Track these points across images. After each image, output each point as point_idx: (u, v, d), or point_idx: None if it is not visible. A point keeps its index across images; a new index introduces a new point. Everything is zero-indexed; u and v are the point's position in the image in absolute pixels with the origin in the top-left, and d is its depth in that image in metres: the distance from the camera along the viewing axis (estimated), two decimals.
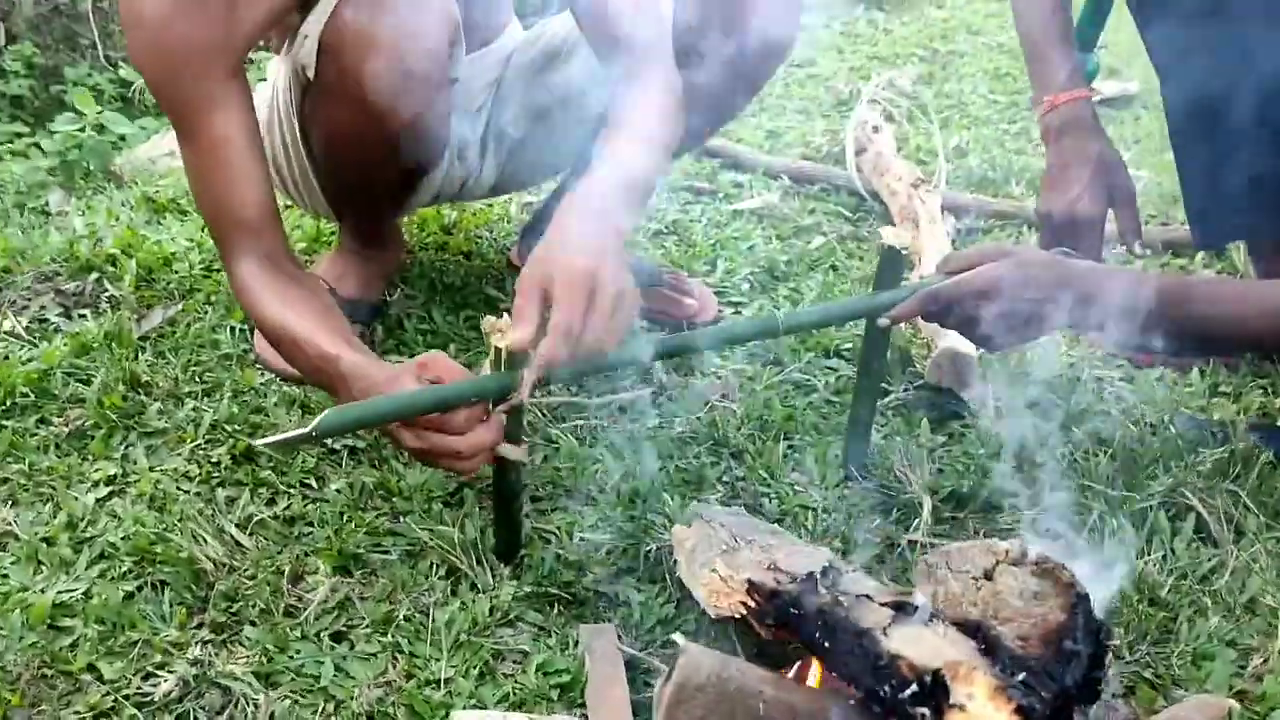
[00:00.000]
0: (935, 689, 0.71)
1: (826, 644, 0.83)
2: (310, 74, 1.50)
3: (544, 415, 1.67)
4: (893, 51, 3.78)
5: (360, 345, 1.31)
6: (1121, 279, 1.45)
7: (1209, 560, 1.47)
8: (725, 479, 1.58)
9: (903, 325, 1.89)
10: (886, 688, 0.74)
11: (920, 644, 0.74)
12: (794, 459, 1.62)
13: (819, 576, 0.86)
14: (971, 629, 0.77)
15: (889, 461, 1.60)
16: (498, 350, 1.21)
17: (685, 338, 1.36)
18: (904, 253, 1.41)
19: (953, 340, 1.71)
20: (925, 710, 0.71)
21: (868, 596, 0.82)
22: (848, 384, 1.74)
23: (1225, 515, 1.53)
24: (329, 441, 1.57)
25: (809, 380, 1.81)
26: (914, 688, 0.72)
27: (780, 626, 0.97)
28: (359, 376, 1.23)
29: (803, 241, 2.34)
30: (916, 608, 0.80)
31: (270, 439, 1.12)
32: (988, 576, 0.82)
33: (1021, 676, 0.72)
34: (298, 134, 1.68)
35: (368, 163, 1.62)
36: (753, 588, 1.02)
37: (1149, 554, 1.46)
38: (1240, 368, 1.91)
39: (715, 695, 0.79)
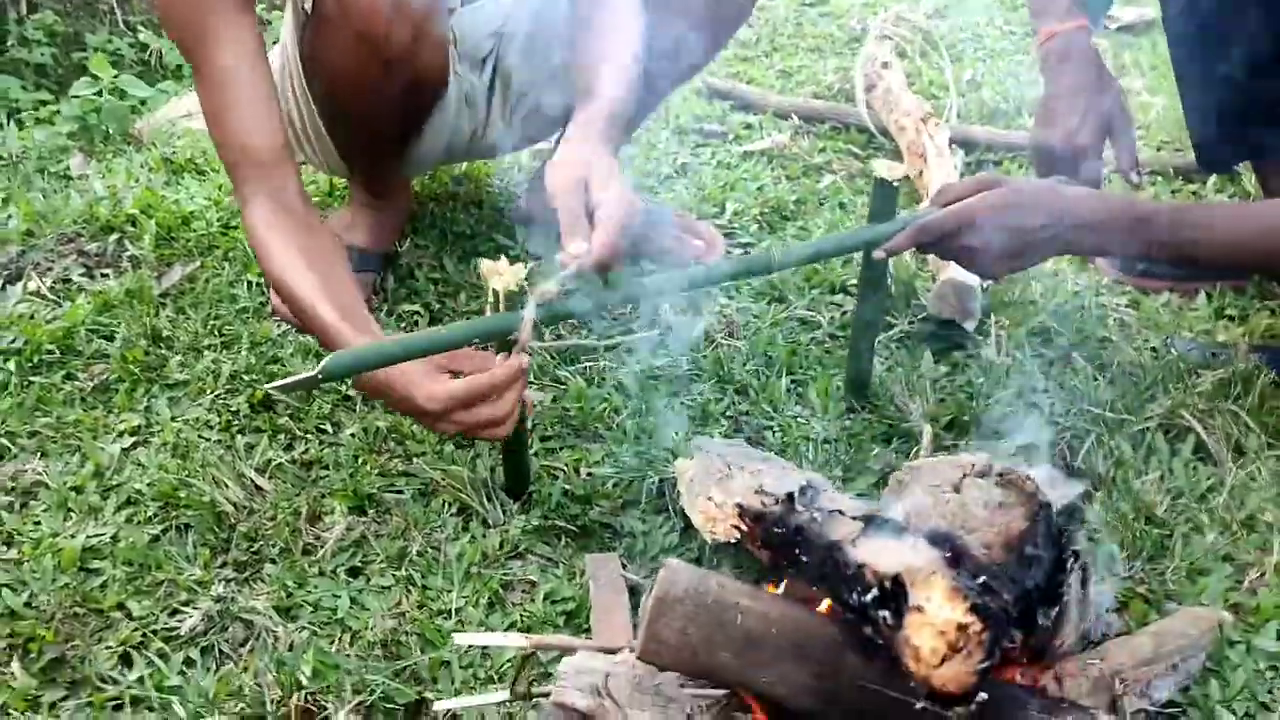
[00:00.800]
0: (896, 592, 0.75)
1: (804, 558, 0.87)
2: (308, 5, 1.53)
3: (553, 358, 1.70)
4: None
5: (358, 314, 1.34)
6: (1114, 204, 1.47)
7: (1207, 479, 1.49)
8: (729, 414, 1.61)
9: (906, 257, 1.91)
10: (853, 594, 0.78)
11: (885, 553, 0.78)
12: (797, 393, 1.65)
13: (797, 495, 0.90)
14: (940, 539, 0.80)
15: (891, 392, 1.62)
16: (495, 292, 1.25)
17: (680, 276, 1.38)
18: (896, 185, 1.43)
19: (955, 271, 1.73)
20: (886, 613, 0.75)
21: (840, 511, 0.86)
22: (852, 318, 1.76)
23: (1225, 435, 1.55)
24: (343, 388, 1.62)
25: (813, 316, 1.83)
26: (875, 592, 0.76)
27: (768, 547, 1.00)
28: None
29: (812, 180, 2.35)
30: (887, 520, 0.84)
31: (279, 383, 1.16)
32: (955, 489, 0.85)
33: (981, 580, 0.75)
34: (304, 80, 1.71)
35: (370, 96, 1.64)
36: (741, 511, 1.05)
37: (1146, 474, 1.48)
38: (1247, 290, 1.91)
39: (694, 607, 0.83)
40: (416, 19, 1.55)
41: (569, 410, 1.60)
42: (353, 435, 1.54)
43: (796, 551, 0.89)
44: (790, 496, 0.90)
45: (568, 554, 1.37)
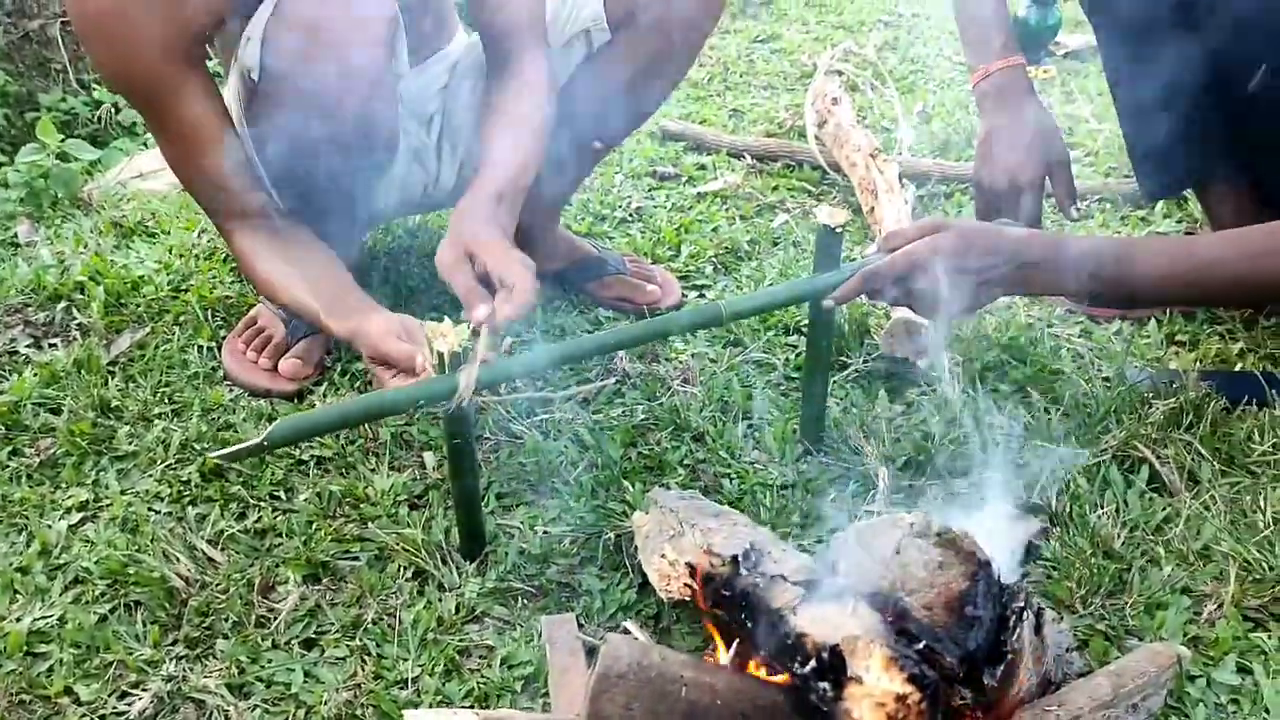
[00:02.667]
0: (835, 663, 0.74)
1: (749, 623, 0.86)
2: (255, 76, 1.53)
3: (508, 413, 1.69)
4: (857, 20, 3.78)
5: (355, 296, 1.53)
6: (1060, 245, 1.48)
7: (1163, 510, 1.49)
8: (686, 462, 1.61)
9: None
10: (794, 664, 0.77)
11: (825, 621, 0.77)
12: (753, 438, 1.65)
13: (741, 559, 0.89)
14: (880, 601, 0.80)
15: (846, 434, 1.62)
16: (440, 355, 1.24)
17: (628, 331, 1.38)
18: (839, 231, 1.43)
19: (906, 310, 1.73)
20: (825, 684, 0.74)
21: (782, 577, 0.85)
22: (803, 363, 1.76)
23: (1178, 464, 1.56)
24: (297, 452, 1.60)
25: (768, 359, 1.83)
26: (814, 663, 0.75)
27: (719, 608, 0.99)
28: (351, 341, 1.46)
29: (766, 219, 2.36)
30: (827, 585, 0.83)
31: (225, 450, 1.15)
32: (896, 550, 0.84)
33: (920, 645, 0.74)
34: (251, 145, 1.70)
35: (321, 161, 1.64)
36: (692, 571, 1.05)
37: (1102, 507, 1.48)
38: (1196, 315, 1.93)
39: (636, 682, 0.82)
40: (365, 90, 1.55)
41: (525, 465, 1.59)
42: (306, 501, 1.52)
43: (743, 616, 0.88)
44: (735, 559, 0.90)
45: (525, 615, 1.35)
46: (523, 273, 1.37)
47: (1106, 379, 1.75)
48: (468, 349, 1.25)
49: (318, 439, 1.61)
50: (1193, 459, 1.57)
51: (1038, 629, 1.06)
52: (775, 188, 2.51)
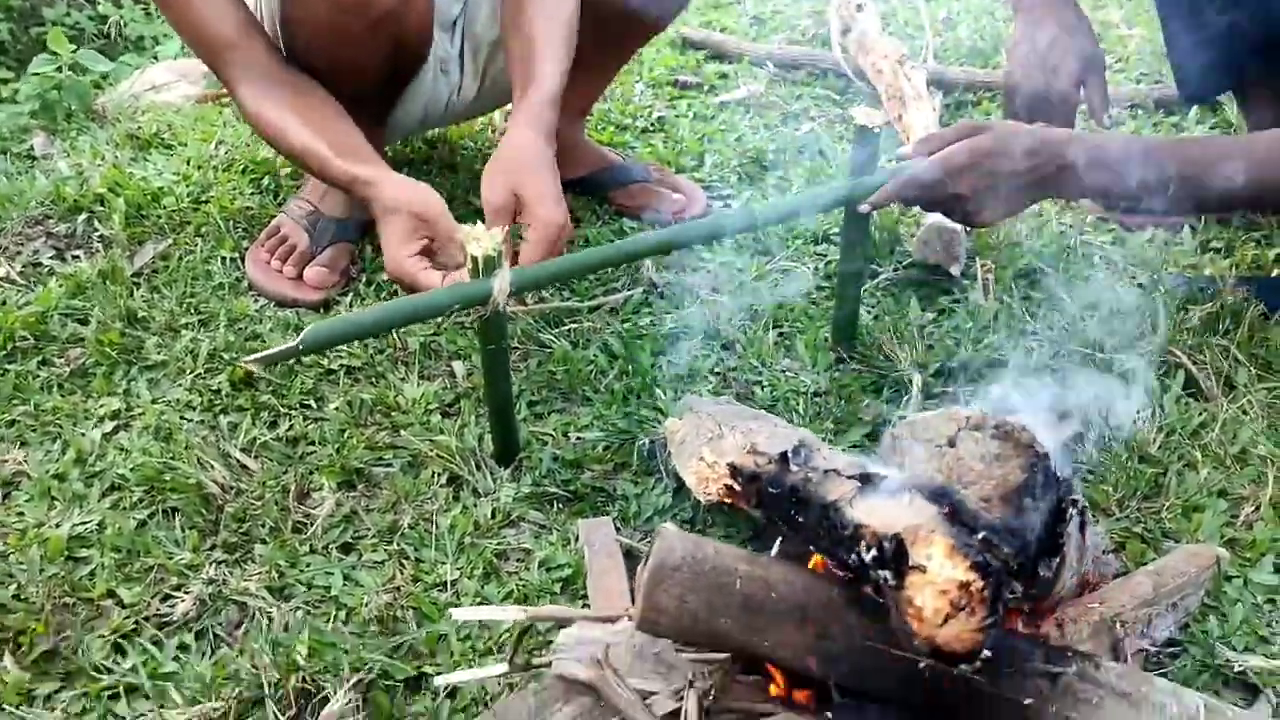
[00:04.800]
0: (896, 553, 0.74)
1: (800, 519, 0.86)
2: None
3: (535, 322, 1.68)
4: None
5: (361, 150, 1.52)
6: (1103, 146, 1.44)
7: (1199, 415, 1.48)
8: (717, 370, 1.60)
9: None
10: (852, 555, 0.77)
11: (882, 512, 0.77)
12: (785, 346, 1.64)
13: (791, 455, 0.88)
14: (937, 494, 0.79)
15: (879, 341, 1.61)
16: (474, 258, 1.23)
17: (661, 236, 1.36)
18: (877, 131, 1.40)
19: (939, 217, 1.70)
20: (886, 573, 0.74)
21: (836, 471, 0.84)
22: (836, 269, 1.74)
23: (1215, 370, 1.54)
24: (326, 361, 1.59)
25: (798, 267, 1.81)
26: (874, 552, 0.75)
27: (762, 507, 0.99)
28: (361, 196, 1.49)
29: (790, 129, 2.32)
30: (883, 478, 0.82)
31: (257, 355, 1.14)
32: (951, 443, 0.84)
33: (981, 535, 0.74)
34: (283, 45, 1.67)
35: (353, 60, 1.62)
36: (734, 471, 1.04)
37: (1138, 413, 1.47)
38: (1232, 222, 1.90)
39: (691, 574, 0.81)
40: None
41: (555, 374, 1.58)
42: (337, 409, 1.52)
43: (792, 512, 0.87)
44: (784, 456, 0.89)
45: (561, 520, 1.35)
46: (560, 219, 1.42)
47: (1140, 285, 1.73)
48: (500, 253, 1.23)
49: (346, 348, 1.60)
50: (1229, 364, 1.55)
51: (1081, 528, 1.05)
52: (799, 96, 2.46)
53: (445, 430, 1.47)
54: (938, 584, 0.71)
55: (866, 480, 0.82)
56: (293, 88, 1.57)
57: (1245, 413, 1.48)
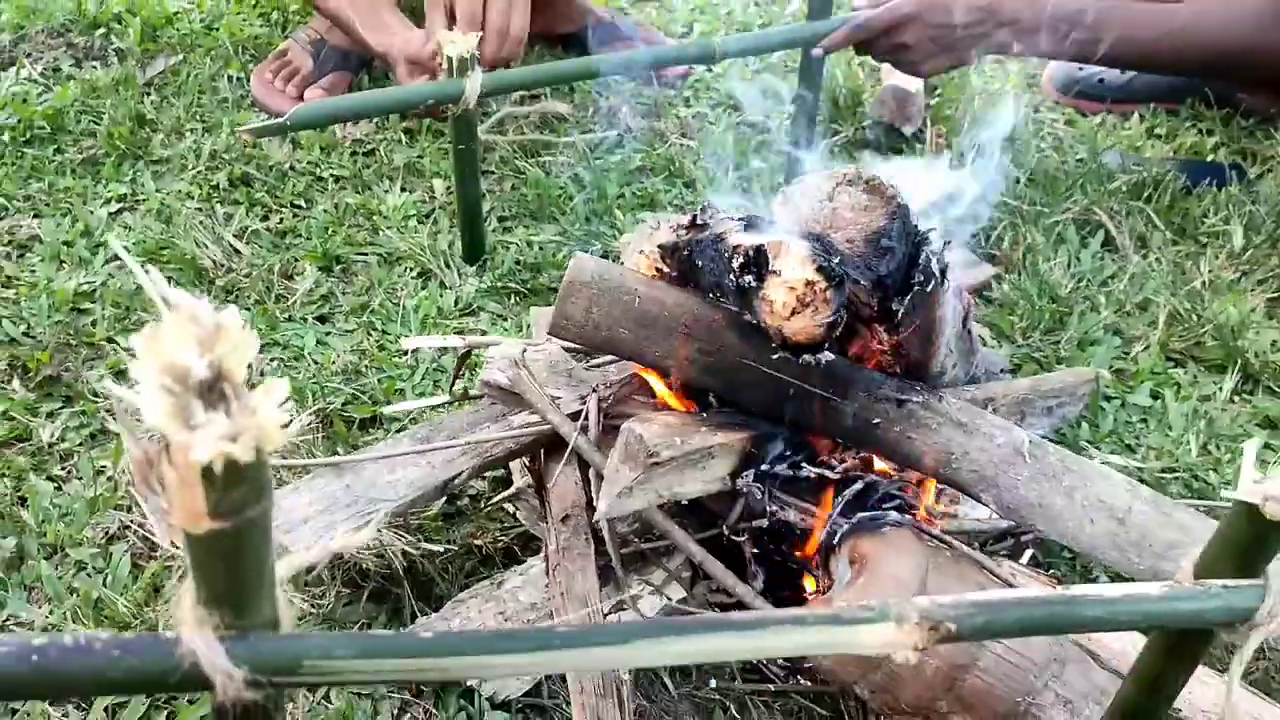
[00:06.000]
0: (757, 259, 0.88)
1: (700, 264, 0.99)
2: None
3: (514, 151, 1.81)
4: None
5: (386, 14, 1.68)
6: (1039, 3, 1.56)
7: (1112, 268, 1.61)
8: (676, 202, 1.73)
9: (854, 66, 2.00)
10: (728, 272, 0.91)
11: (757, 238, 0.91)
12: (741, 187, 1.77)
13: (698, 214, 1.02)
14: (810, 236, 0.92)
15: None
16: (449, 59, 1.36)
17: (625, 57, 1.49)
18: None
19: (896, 78, 1.82)
20: (749, 278, 0.88)
21: (728, 217, 0.98)
22: (791, 115, 1.86)
23: (1132, 231, 1.67)
24: (317, 170, 1.73)
25: (765, 121, 1.93)
26: (740, 259, 0.89)
27: (681, 274, 1.12)
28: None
29: (781, 5, 2.42)
30: (765, 220, 0.96)
31: (251, 125, 1.28)
32: (830, 198, 0.97)
33: (836, 259, 0.88)
34: None
35: None
36: (662, 251, 1.18)
37: (1054, 259, 1.60)
38: (1180, 111, 2.01)
39: (597, 290, 0.95)
40: None
41: (526, 195, 1.72)
42: (324, 210, 1.66)
43: (697, 262, 1.01)
44: (692, 219, 1.03)
45: (516, 311, 1.50)
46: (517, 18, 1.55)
47: (1081, 159, 1.85)
48: (474, 56, 1.36)
49: (335, 159, 1.74)
50: (1147, 227, 1.68)
51: (964, 320, 1.19)
52: None
53: (420, 233, 1.62)
54: (788, 282, 0.85)
55: (750, 222, 0.95)
56: None
57: (1153, 269, 1.61)
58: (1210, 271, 1.59)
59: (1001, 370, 1.42)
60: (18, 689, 0.48)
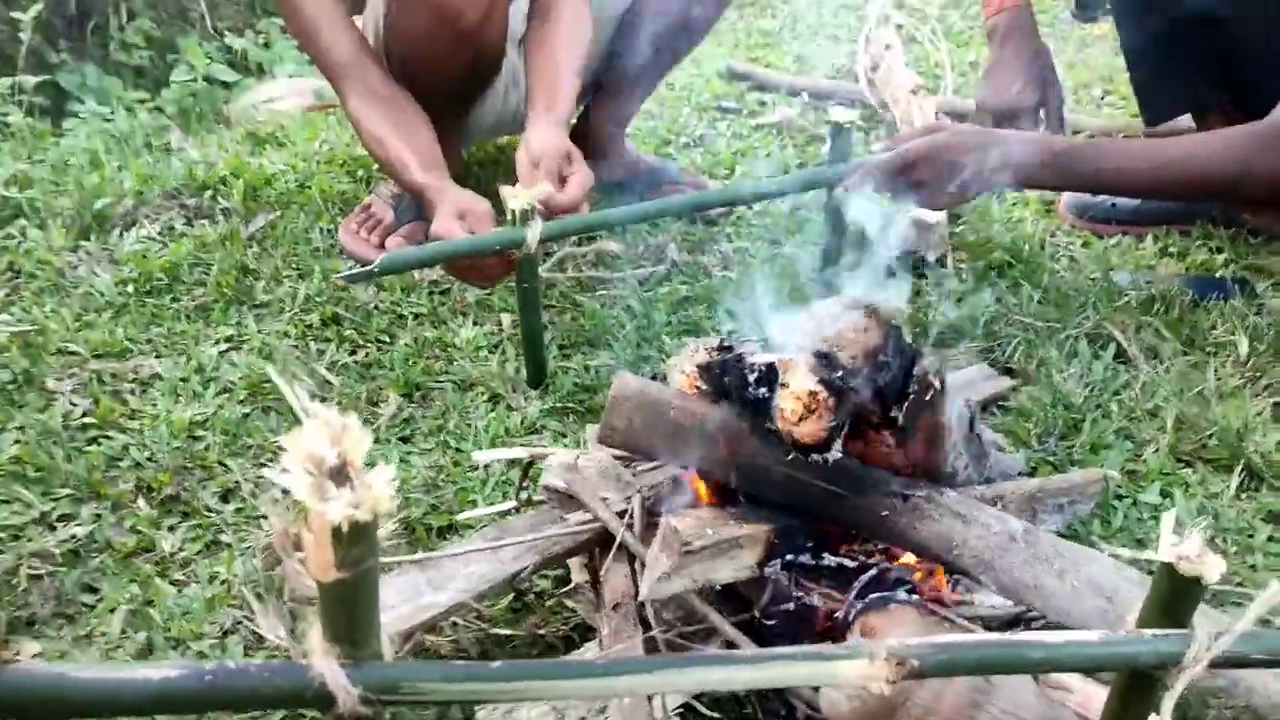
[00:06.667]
0: (769, 374, 1.04)
1: (726, 380, 1.16)
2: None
3: (573, 287, 2.01)
4: None
5: (436, 166, 1.81)
6: (1040, 142, 1.74)
7: (1123, 378, 1.75)
8: (717, 328, 1.91)
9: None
10: (745, 387, 1.07)
11: (770, 356, 1.07)
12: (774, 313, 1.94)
13: (726, 341, 1.19)
14: (819, 354, 1.09)
15: None
16: (513, 211, 1.57)
17: (661, 203, 1.69)
18: (847, 126, 1.71)
19: (917, 210, 2.00)
20: (764, 389, 1.04)
21: (750, 341, 1.15)
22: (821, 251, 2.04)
23: (1143, 344, 1.81)
24: (398, 308, 1.95)
25: (802, 254, 2.12)
26: (755, 374, 1.05)
27: (714, 389, 1.29)
28: (429, 199, 1.75)
29: (815, 148, 2.64)
30: (780, 343, 1.13)
31: (345, 272, 1.49)
32: (835, 321, 1.13)
33: (839, 373, 1.04)
34: (383, 51, 2.04)
35: (439, 66, 1.97)
36: (699, 370, 1.35)
37: (1068, 371, 1.74)
38: (1192, 232, 2.16)
39: (638, 404, 1.12)
40: (483, 3, 1.87)
41: (584, 325, 1.91)
42: (404, 344, 1.86)
43: (725, 378, 1.18)
44: (721, 344, 1.20)
45: (575, 428, 1.67)
46: (579, 170, 1.73)
47: (1093, 278, 2.00)
48: (535, 207, 1.57)
49: (414, 299, 1.96)
50: (1157, 339, 1.81)
51: (970, 425, 1.34)
52: (826, 122, 2.77)
53: (490, 362, 1.81)
54: (795, 392, 1.01)
55: (767, 345, 1.12)
56: (390, 105, 1.89)
57: (1162, 375, 1.74)
58: (1218, 379, 1.72)
59: (1019, 474, 1.55)
60: (194, 702, 0.64)
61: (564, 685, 0.67)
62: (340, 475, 0.62)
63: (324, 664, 0.65)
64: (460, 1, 1.86)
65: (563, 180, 1.73)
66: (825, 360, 1.04)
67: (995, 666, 0.75)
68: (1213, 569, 0.76)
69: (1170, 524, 0.79)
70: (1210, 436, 1.61)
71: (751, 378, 1.05)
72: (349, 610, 0.64)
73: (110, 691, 0.62)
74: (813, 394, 1.01)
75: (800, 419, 1.02)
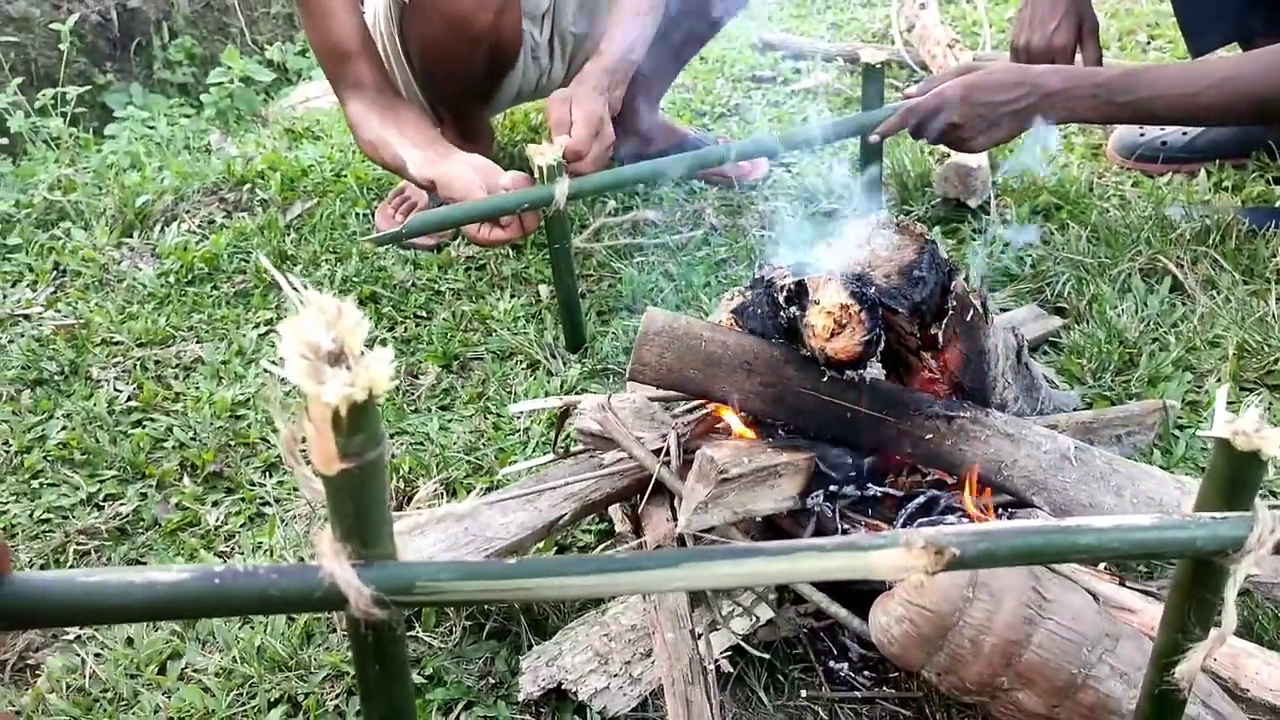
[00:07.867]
0: (799, 291, 1.00)
1: (759, 312, 1.13)
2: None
3: (609, 254, 1.99)
4: None
5: (441, 147, 1.73)
6: (1074, 73, 1.68)
7: (1180, 310, 1.68)
8: None
9: (918, 149, 2.14)
10: (775, 306, 1.04)
11: (799, 277, 1.04)
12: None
13: (760, 276, 1.15)
14: (855, 278, 1.05)
15: None
16: (539, 168, 1.55)
17: (692, 156, 1.66)
18: (879, 67, 1.67)
19: (957, 155, 1.95)
20: (795, 308, 1.00)
21: (781, 269, 1.11)
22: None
23: (1199, 275, 1.74)
24: (435, 284, 1.94)
25: (836, 208, 2.08)
26: (785, 293, 1.02)
27: (753, 333, 1.26)
28: (434, 178, 1.66)
29: (851, 110, 2.59)
30: (810, 266, 1.09)
31: (371, 236, 1.48)
32: (867, 241, 1.09)
33: (872, 289, 1.00)
34: (399, 52, 2.05)
35: (456, 67, 1.97)
36: (734, 314, 1.32)
37: (1121, 307, 1.68)
38: (1247, 166, 2.08)
39: (668, 338, 1.09)
40: (495, 4, 1.86)
41: (621, 291, 1.89)
42: (443, 319, 1.86)
43: (759, 311, 1.14)
44: (754, 280, 1.16)
45: (615, 389, 1.65)
46: (600, 127, 1.70)
47: (1145, 216, 1.93)
48: (561, 164, 1.55)
49: (451, 274, 1.95)
50: (1214, 270, 1.74)
51: (1018, 354, 1.30)
52: (854, 70, 2.73)
53: (528, 331, 1.79)
54: (826, 307, 0.98)
55: (797, 268, 1.09)
56: (386, 106, 1.83)
57: (1220, 308, 1.67)
58: (1278, 303, 1.64)
59: (1075, 409, 1.50)
60: (204, 605, 0.62)
61: (581, 581, 0.64)
62: (338, 360, 0.60)
63: (334, 563, 0.63)
64: (470, 8, 1.84)
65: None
66: (855, 277, 1.00)
67: (1040, 554, 0.70)
68: (1272, 443, 0.72)
69: (1224, 399, 0.74)
70: (1275, 361, 1.55)
71: (781, 298, 1.02)
72: (356, 504, 0.62)
73: (119, 595, 0.61)
74: (844, 307, 0.97)
75: (832, 334, 0.98)
